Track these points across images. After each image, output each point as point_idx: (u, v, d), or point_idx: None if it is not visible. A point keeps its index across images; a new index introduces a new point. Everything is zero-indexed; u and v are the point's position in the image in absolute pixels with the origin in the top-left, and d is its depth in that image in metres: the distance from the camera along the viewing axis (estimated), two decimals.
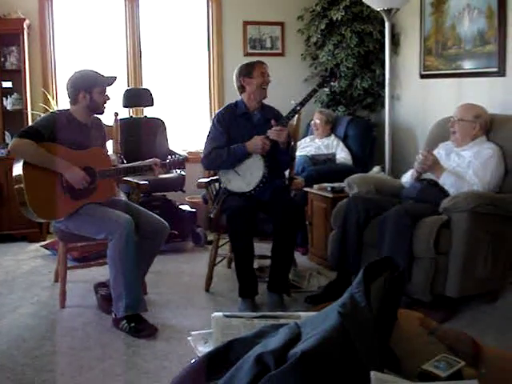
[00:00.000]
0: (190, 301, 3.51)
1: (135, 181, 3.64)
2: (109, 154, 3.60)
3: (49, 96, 5.01)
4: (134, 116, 5.29)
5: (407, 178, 3.64)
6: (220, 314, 1.57)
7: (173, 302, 3.49)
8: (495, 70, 4.17)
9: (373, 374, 1.14)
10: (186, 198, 5.06)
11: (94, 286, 3.52)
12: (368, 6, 4.65)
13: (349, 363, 1.15)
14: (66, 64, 5.12)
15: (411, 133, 5.14)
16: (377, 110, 5.51)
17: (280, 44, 5.66)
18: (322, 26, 5.26)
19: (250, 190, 3.45)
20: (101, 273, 3.73)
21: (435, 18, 4.74)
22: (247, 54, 5.48)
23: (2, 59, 4.87)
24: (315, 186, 4.21)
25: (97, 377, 2.57)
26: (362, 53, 5.23)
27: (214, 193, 3.72)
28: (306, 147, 4.98)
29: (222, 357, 1.33)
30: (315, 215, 4.21)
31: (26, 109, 4.87)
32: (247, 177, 3.47)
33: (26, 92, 4.85)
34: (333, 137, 5.00)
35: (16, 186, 3.06)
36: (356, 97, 5.39)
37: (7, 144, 4.76)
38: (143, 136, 4.91)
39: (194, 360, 1.43)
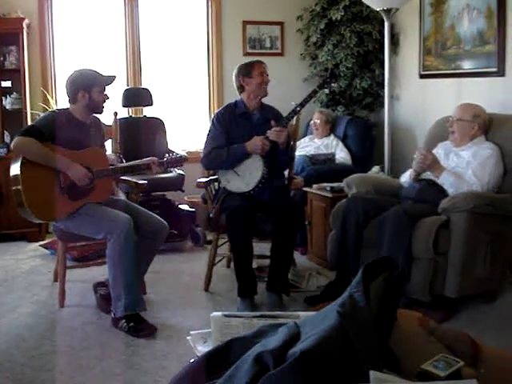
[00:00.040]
0: (189, 300, 3.51)
1: (134, 180, 3.64)
2: (108, 153, 3.61)
3: (48, 95, 5.01)
4: (133, 116, 5.29)
5: (406, 177, 3.63)
6: (219, 313, 1.57)
7: (172, 301, 3.49)
8: (495, 70, 4.17)
9: (372, 373, 1.14)
10: (186, 198, 5.06)
11: (94, 285, 3.52)
12: (367, 6, 4.65)
13: (348, 363, 1.15)
14: (66, 63, 5.11)
15: (410, 133, 5.15)
16: (376, 109, 5.52)
17: (279, 44, 5.66)
18: (322, 26, 5.26)
19: (249, 191, 3.45)
20: (100, 272, 3.73)
21: (435, 17, 4.75)
22: (247, 54, 5.48)
23: (2, 59, 4.86)
24: (314, 186, 4.21)
25: (96, 376, 2.57)
26: (362, 53, 5.23)
27: (214, 192, 3.72)
28: (305, 147, 4.98)
29: (221, 356, 1.33)
30: (314, 215, 4.21)
31: (26, 108, 4.87)
32: (246, 177, 3.47)
33: (25, 91, 4.85)
34: (332, 137, 5.00)
35: (13, 188, 3.06)
36: (355, 97, 5.39)
37: (6, 143, 4.76)
38: (142, 136, 4.91)
39: (193, 359, 1.43)
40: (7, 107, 4.89)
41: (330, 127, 5.04)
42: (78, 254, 4.17)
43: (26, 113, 4.86)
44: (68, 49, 5.23)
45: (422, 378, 1.26)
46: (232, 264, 3.79)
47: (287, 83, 5.36)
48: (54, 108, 4.78)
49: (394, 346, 1.33)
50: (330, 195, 4.03)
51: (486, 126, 3.47)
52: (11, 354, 2.78)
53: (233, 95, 3.80)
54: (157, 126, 5.05)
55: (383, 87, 4.70)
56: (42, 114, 3.86)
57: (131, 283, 3.05)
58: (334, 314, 1.22)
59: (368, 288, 1.29)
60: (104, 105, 3.27)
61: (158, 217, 3.32)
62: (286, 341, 1.22)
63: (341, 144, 4.92)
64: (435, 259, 3.10)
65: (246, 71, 3.56)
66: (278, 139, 3.42)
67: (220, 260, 3.88)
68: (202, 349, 1.51)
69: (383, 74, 4.69)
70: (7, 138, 4.83)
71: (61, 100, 5.08)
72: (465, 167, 3.35)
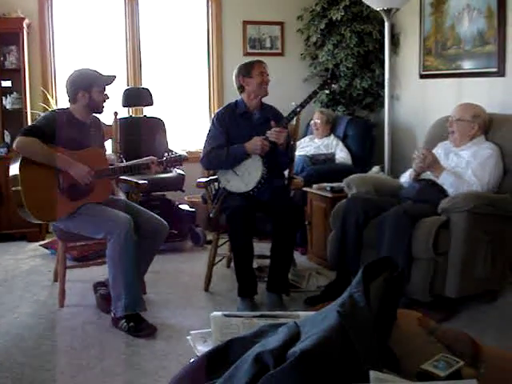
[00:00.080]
0: (189, 300, 3.51)
1: (134, 180, 3.64)
2: (108, 153, 3.60)
3: (48, 95, 5.01)
4: (133, 115, 5.29)
5: (406, 177, 3.63)
6: (219, 313, 1.57)
7: (172, 301, 3.49)
8: (495, 70, 4.17)
9: (372, 373, 1.14)
10: (186, 198, 5.06)
11: (94, 285, 3.52)
12: (368, 6, 4.64)
13: (348, 363, 1.15)
14: (66, 63, 5.11)
15: (411, 133, 5.15)
16: (376, 109, 5.51)
17: (280, 44, 5.66)
18: (322, 26, 5.26)
19: (249, 191, 3.45)
20: (100, 272, 3.72)
21: (435, 18, 4.74)
22: (247, 54, 5.47)
23: (2, 58, 4.86)
24: (314, 186, 4.21)
25: (96, 376, 2.57)
26: (362, 53, 5.23)
27: (214, 192, 3.72)
28: (305, 147, 4.98)
29: (221, 356, 1.33)
30: (314, 215, 4.21)
31: (26, 108, 4.86)
32: (246, 177, 3.47)
33: (25, 91, 4.85)
34: (332, 137, 5.00)
35: (13, 188, 3.06)
36: (355, 97, 5.39)
37: (7, 143, 4.76)
38: (143, 135, 4.91)
39: (193, 359, 1.43)
40: (7, 107, 4.89)
41: (330, 127, 5.04)
42: (78, 254, 4.17)
43: (26, 113, 4.86)
44: (68, 48, 5.23)
45: (421, 377, 1.26)
46: (232, 264, 3.79)
47: (287, 83, 5.36)
48: (54, 108, 4.78)
49: (393, 346, 1.33)
50: (330, 195, 4.03)
51: (485, 125, 3.47)
52: (11, 353, 2.78)
53: (233, 95, 3.80)
54: (157, 125, 5.05)
55: (383, 87, 4.70)
56: (42, 114, 3.86)
57: (131, 283, 3.05)
58: (334, 314, 1.22)
59: (368, 288, 1.29)
60: (104, 105, 3.27)
61: (158, 217, 3.32)
62: (286, 341, 1.22)
63: (341, 144, 4.92)
64: (435, 259, 3.10)
65: (246, 71, 3.56)
66: (278, 140, 3.41)
67: (220, 260, 3.88)
68: (202, 349, 1.50)
69: (383, 74, 4.69)
70: (7, 138, 4.83)
71: (61, 100, 5.08)
72: (465, 167, 3.35)
